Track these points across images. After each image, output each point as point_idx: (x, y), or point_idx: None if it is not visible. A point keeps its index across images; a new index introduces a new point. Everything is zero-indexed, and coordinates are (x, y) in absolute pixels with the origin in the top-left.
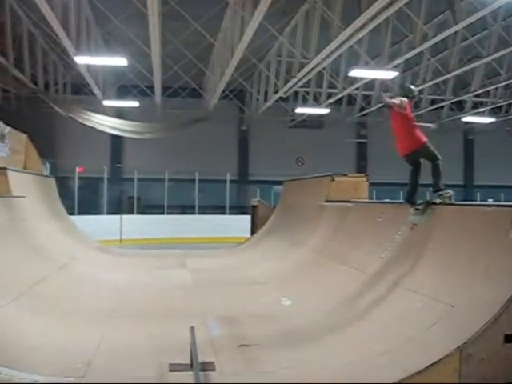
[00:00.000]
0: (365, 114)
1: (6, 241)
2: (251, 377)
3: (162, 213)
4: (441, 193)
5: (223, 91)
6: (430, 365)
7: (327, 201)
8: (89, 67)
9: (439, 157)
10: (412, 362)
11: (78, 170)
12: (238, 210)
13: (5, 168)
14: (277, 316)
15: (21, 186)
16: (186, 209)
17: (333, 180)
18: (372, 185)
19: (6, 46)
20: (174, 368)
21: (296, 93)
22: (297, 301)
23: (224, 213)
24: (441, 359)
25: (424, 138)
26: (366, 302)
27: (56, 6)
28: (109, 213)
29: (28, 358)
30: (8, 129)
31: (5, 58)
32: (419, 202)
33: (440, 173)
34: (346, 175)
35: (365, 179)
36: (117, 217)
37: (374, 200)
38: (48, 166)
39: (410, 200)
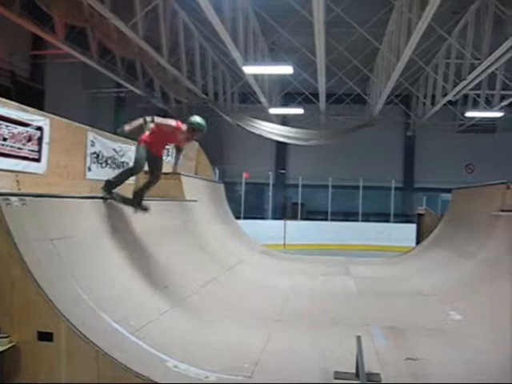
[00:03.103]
0: None
1: (181, 241)
2: None
3: (326, 219)
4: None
5: (388, 96)
6: None
7: (502, 210)
8: (256, 76)
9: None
10: None
11: (244, 175)
12: (403, 218)
13: (179, 173)
14: (445, 331)
15: (193, 190)
16: (349, 215)
17: (508, 188)
18: None
19: (179, 60)
20: (338, 376)
21: (465, 96)
22: (467, 316)
23: (388, 220)
24: None
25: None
26: None
27: (225, 20)
28: (273, 218)
29: (198, 355)
30: None
31: (178, 71)
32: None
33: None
34: None
35: None
36: (281, 222)
37: None
38: (217, 171)
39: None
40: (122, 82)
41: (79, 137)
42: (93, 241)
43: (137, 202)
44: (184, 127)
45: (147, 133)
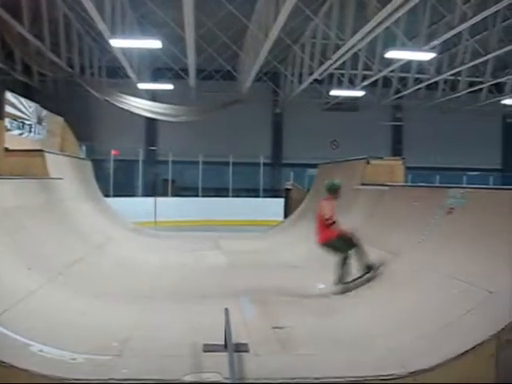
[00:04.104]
0: (400, 97)
1: (45, 221)
2: (285, 359)
3: (196, 195)
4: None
5: (257, 74)
6: (466, 351)
7: (362, 184)
8: (124, 50)
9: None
10: (450, 347)
11: (113, 152)
12: (272, 193)
13: (42, 150)
14: (311, 299)
15: (58, 168)
16: (219, 191)
17: (368, 163)
18: (408, 169)
19: (42, 30)
20: (207, 348)
21: (331, 75)
22: (330, 285)
23: (258, 196)
24: (477, 345)
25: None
26: (403, 286)
27: None
28: (143, 195)
29: (66, 336)
30: (45, 112)
31: (41, 42)
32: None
33: (343, 267)
34: (381, 158)
35: (401, 163)
36: (151, 199)
37: (410, 184)
38: (84, 148)
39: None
40: None
41: None
42: None
43: (368, 269)
44: (328, 195)
45: (327, 230)
